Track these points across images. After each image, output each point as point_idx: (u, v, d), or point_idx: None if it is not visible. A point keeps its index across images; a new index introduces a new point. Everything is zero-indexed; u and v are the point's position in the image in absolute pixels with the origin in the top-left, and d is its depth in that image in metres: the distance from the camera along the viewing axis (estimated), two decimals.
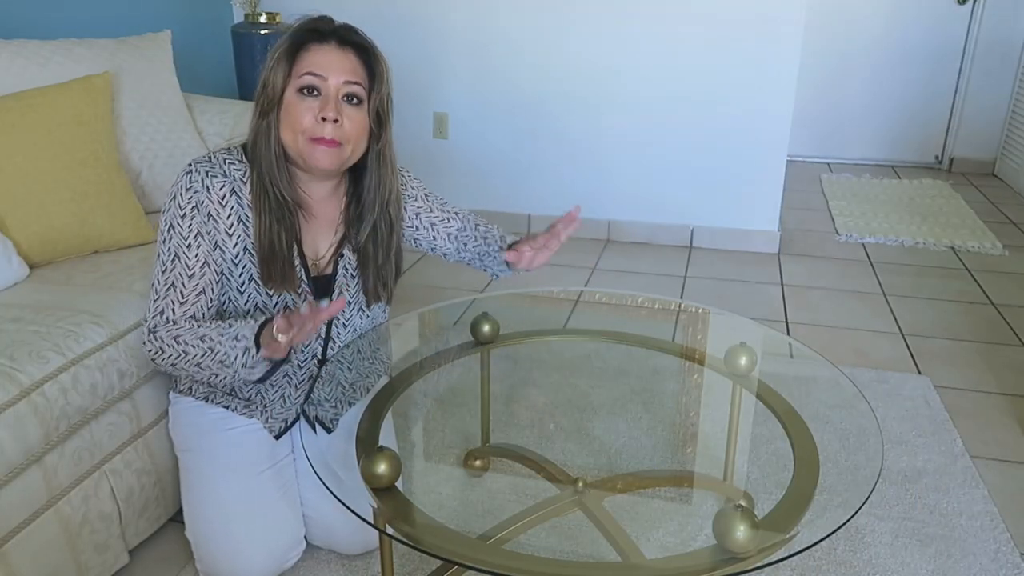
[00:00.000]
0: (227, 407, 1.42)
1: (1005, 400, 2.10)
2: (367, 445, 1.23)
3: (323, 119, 1.20)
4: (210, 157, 1.28)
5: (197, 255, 1.26)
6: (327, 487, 1.08)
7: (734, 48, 2.96)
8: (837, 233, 3.41)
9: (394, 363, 1.57)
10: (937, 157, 4.56)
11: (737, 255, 3.17)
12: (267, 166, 1.25)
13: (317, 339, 1.40)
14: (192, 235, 1.26)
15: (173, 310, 1.25)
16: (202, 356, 1.22)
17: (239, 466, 1.39)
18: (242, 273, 1.30)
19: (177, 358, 1.24)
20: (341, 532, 1.44)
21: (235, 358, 1.19)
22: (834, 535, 1.02)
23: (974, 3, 4.24)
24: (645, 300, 2.04)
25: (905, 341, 2.43)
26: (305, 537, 1.47)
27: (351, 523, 1.41)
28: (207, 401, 1.43)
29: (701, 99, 3.06)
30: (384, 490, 1.08)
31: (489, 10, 3.11)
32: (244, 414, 1.42)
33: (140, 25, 2.59)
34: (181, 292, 1.26)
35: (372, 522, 1.05)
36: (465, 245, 1.52)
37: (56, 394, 1.25)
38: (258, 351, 1.17)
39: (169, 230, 1.26)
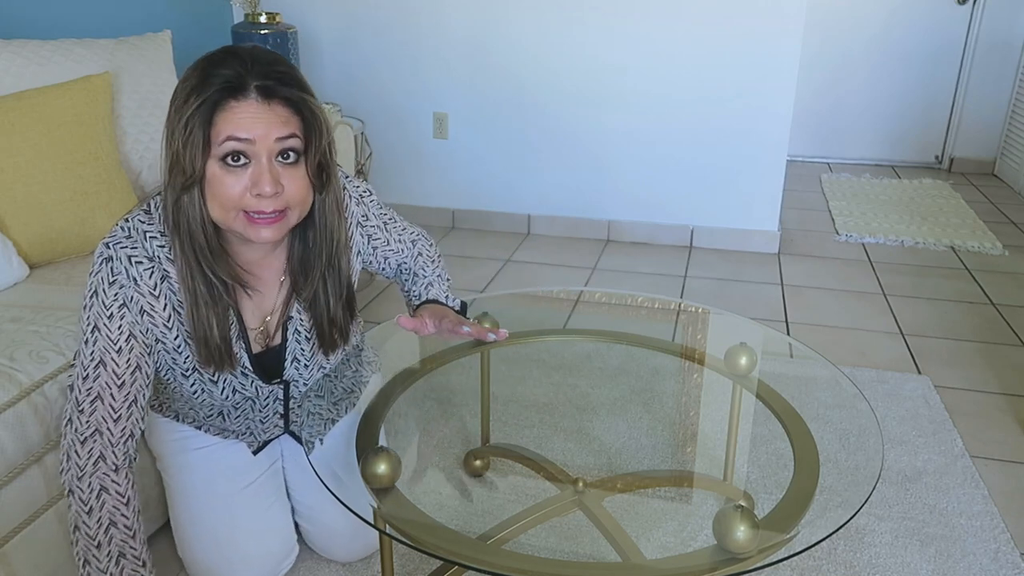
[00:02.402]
0: (199, 427, 1.36)
1: (1005, 400, 2.10)
2: (367, 445, 1.23)
3: (258, 195, 1.00)
4: (129, 231, 1.07)
5: (128, 360, 1.07)
6: (327, 487, 1.08)
7: (734, 48, 2.96)
8: (837, 233, 3.41)
9: (394, 363, 1.57)
10: (937, 157, 4.56)
11: (737, 255, 3.17)
12: (197, 250, 1.05)
13: (276, 402, 1.31)
14: (123, 338, 1.07)
15: (111, 430, 1.07)
16: (84, 532, 1.06)
17: (221, 483, 1.35)
18: (186, 360, 1.16)
19: (76, 505, 1.06)
20: (341, 536, 1.44)
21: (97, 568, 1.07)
22: (834, 535, 1.02)
23: (974, 3, 4.24)
24: (645, 300, 2.04)
25: (905, 341, 2.43)
26: (304, 544, 1.47)
27: (351, 526, 1.41)
28: (177, 419, 1.37)
29: (701, 99, 3.06)
30: (384, 490, 1.08)
31: (489, 10, 3.11)
32: (218, 435, 1.37)
33: (140, 25, 2.59)
34: (111, 407, 1.07)
35: (372, 522, 1.05)
36: (399, 275, 1.44)
37: (56, 394, 1.25)
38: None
39: (93, 331, 1.06)
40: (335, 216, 1.15)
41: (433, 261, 1.44)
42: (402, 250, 1.38)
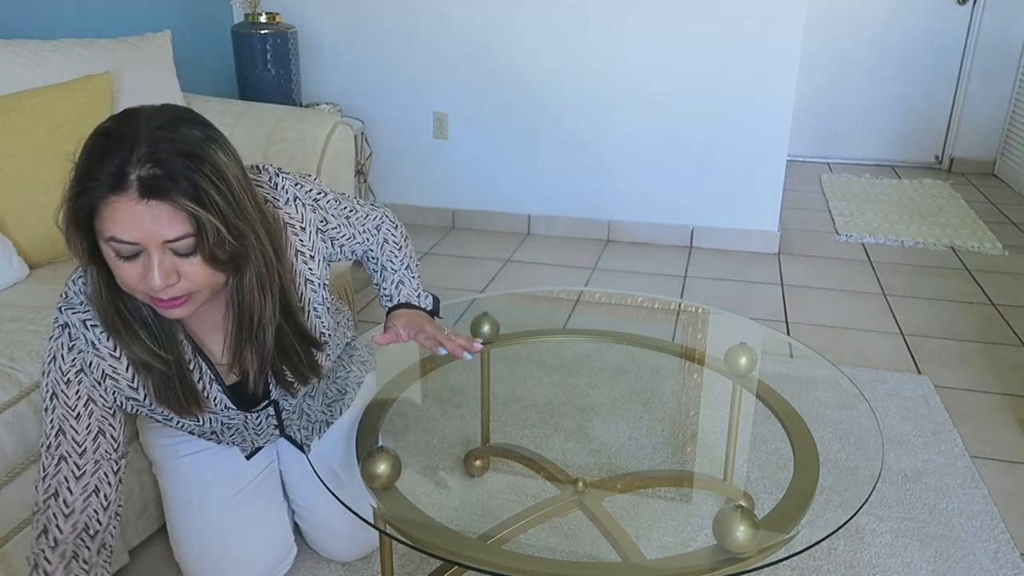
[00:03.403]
0: (192, 432, 1.32)
1: (1005, 400, 2.10)
2: (367, 445, 1.23)
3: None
4: (76, 294, 1.04)
5: (88, 426, 1.04)
6: (327, 487, 1.08)
7: (734, 48, 2.96)
8: (837, 233, 3.41)
9: (393, 363, 1.57)
10: (937, 157, 4.56)
11: (737, 255, 3.17)
12: (111, 327, 1.01)
13: (268, 419, 1.30)
14: (81, 403, 1.04)
15: (69, 488, 1.03)
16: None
17: (215, 488, 1.35)
18: (163, 412, 1.14)
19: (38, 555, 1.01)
20: (341, 536, 1.44)
21: None
22: (834, 535, 1.02)
23: (974, 3, 4.23)
24: (645, 300, 2.04)
25: (905, 341, 2.43)
26: (304, 544, 1.47)
27: (351, 526, 1.41)
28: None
29: (701, 99, 3.06)
30: (384, 490, 1.08)
31: (489, 10, 3.11)
32: (211, 439, 1.35)
33: (140, 25, 2.59)
34: (74, 470, 1.03)
35: (372, 522, 1.05)
36: (366, 263, 1.40)
37: None
38: None
39: (52, 399, 1.03)
40: (253, 295, 1.05)
41: (400, 247, 1.38)
42: (367, 239, 1.32)
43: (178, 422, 1.20)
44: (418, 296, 1.36)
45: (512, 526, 1.27)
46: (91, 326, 1.03)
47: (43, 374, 1.05)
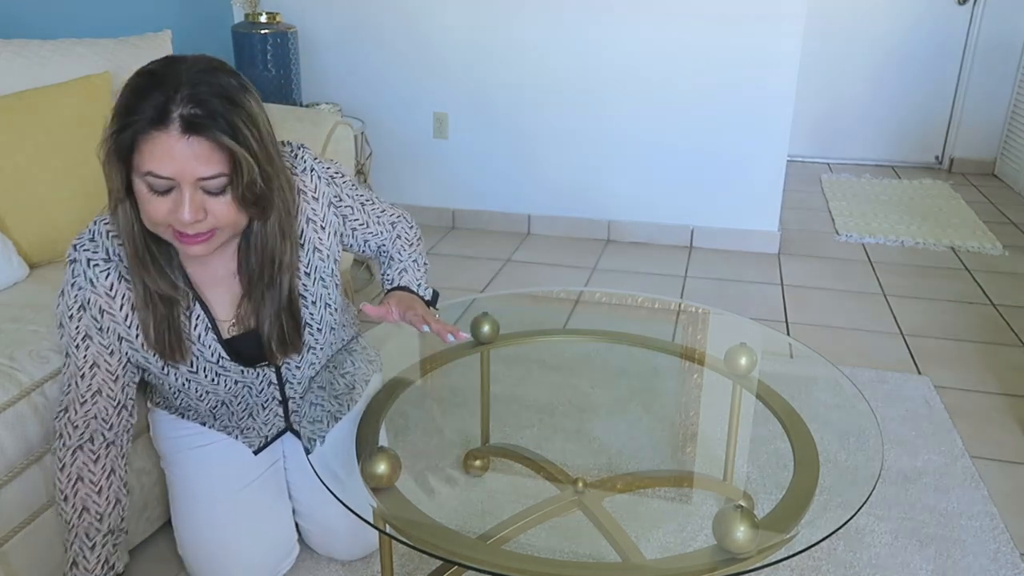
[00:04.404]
0: (203, 423, 1.38)
1: (1005, 400, 2.10)
2: (367, 445, 1.23)
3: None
4: (93, 234, 1.12)
5: (86, 356, 1.15)
6: (327, 487, 1.08)
7: (734, 48, 2.96)
8: (837, 233, 3.41)
9: (393, 363, 1.57)
10: (937, 157, 4.56)
11: (737, 255, 3.17)
12: (132, 261, 1.09)
13: (270, 386, 1.33)
14: (80, 336, 1.14)
15: (76, 410, 1.17)
16: (59, 506, 1.18)
17: (222, 482, 1.36)
18: (156, 360, 1.19)
19: (61, 493, 1.18)
20: (341, 536, 1.44)
21: (67, 550, 1.18)
22: (834, 535, 1.02)
23: (974, 3, 4.24)
24: (645, 300, 2.04)
25: (905, 341, 2.43)
26: (304, 543, 1.47)
27: (351, 525, 1.42)
28: (183, 416, 1.38)
29: (701, 99, 3.06)
30: (384, 490, 1.08)
31: (489, 10, 3.11)
32: (222, 431, 1.39)
33: (140, 25, 2.59)
34: (79, 394, 1.16)
35: (372, 522, 1.05)
36: (379, 258, 1.43)
37: (56, 394, 1.25)
38: None
39: (60, 327, 1.16)
40: (276, 239, 1.13)
41: (411, 244, 1.41)
42: (381, 232, 1.37)
43: (181, 381, 1.23)
44: (419, 286, 1.37)
45: (512, 526, 1.27)
46: (93, 265, 1.11)
47: (55, 304, 1.16)
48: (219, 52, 3.07)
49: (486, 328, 1.58)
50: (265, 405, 1.37)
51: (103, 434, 1.19)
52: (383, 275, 1.42)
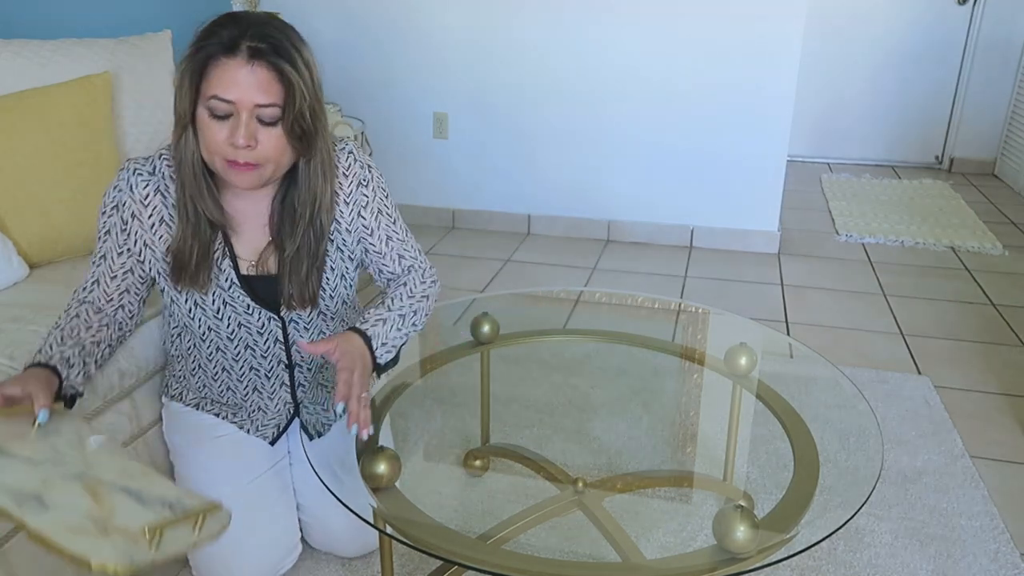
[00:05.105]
0: (217, 414, 1.41)
1: (1005, 400, 2.10)
2: (367, 445, 1.23)
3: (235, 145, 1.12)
4: (149, 156, 1.26)
5: (101, 248, 1.28)
6: (327, 487, 1.08)
7: (734, 48, 2.96)
8: (837, 233, 3.41)
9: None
10: (937, 157, 4.56)
11: (737, 255, 3.17)
12: (188, 183, 1.20)
13: (276, 343, 1.35)
14: (104, 230, 1.27)
15: (79, 292, 1.30)
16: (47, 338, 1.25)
17: (231, 474, 1.37)
18: (172, 280, 1.28)
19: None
20: (341, 534, 1.44)
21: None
22: (834, 535, 1.02)
23: (974, 3, 4.24)
24: (645, 300, 2.04)
25: (905, 341, 2.43)
26: (304, 540, 1.47)
27: (351, 524, 1.42)
28: (197, 408, 1.42)
29: (701, 99, 3.06)
30: (384, 490, 1.08)
31: (489, 10, 3.11)
32: (235, 423, 1.41)
33: (140, 25, 2.59)
34: (86, 277, 1.30)
35: (372, 522, 1.05)
36: (386, 284, 1.42)
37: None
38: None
39: (100, 215, 1.28)
40: (319, 179, 1.23)
41: (411, 298, 1.34)
42: (393, 266, 1.38)
43: (189, 305, 1.30)
44: (383, 344, 1.25)
45: (512, 526, 1.27)
46: (137, 173, 1.23)
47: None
48: None
49: (486, 328, 1.58)
50: (270, 375, 1.38)
51: (97, 311, 1.29)
52: (365, 311, 1.34)
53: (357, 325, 1.24)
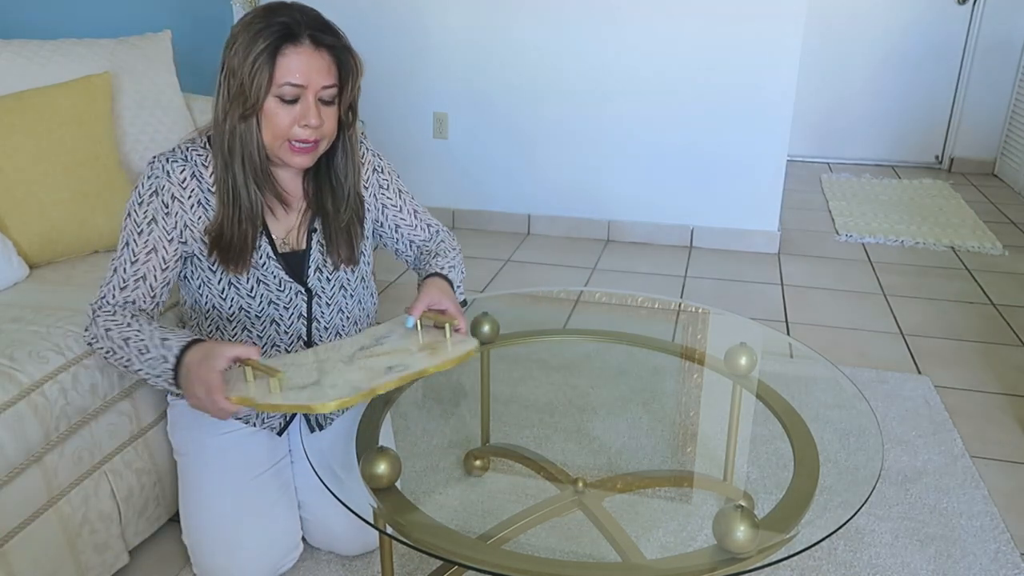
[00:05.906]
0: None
1: (1005, 400, 2.10)
2: (367, 445, 1.23)
3: (304, 125, 1.21)
4: (176, 148, 1.29)
5: (147, 241, 1.25)
6: (327, 487, 1.08)
7: (734, 48, 2.96)
8: (837, 233, 3.41)
9: None
10: (937, 157, 4.56)
11: (737, 255, 3.17)
12: (251, 171, 1.24)
13: (299, 319, 1.38)
14: (146, 221, 1.25)
15: (114, 295, 1.26)
16: (127, 363, 1.22)
17: (235, 471, 1.38)
18: (210, 261, 1.31)
19: (108, 353, 1.23)
20: (341, 533, 1.44)
21: (153, 378, 1.21)
22: (834, 535, 1.02)
23: (974, 3, 4.24)
24: (645, 300, 2.04)
25: (905, 341, 2.43)
26: (304, 539, 1.47)
27: (351, 524, 1.42)
28: None
29: (701, 99, 3.06)
30: (384, 490, 1.08)
31: (489, 10, 3.11)
32: (240, 419, 1.41)
33: (140, 25, 2.59)
34: (122, 277, 1.25)
35: (372, 522, 1.05)
36: (419, 259, 1.51)
37: (56, 394, 1.25)
38: (176, 379, 1.17)
39: (126, 218, 1.27)
40: (355, 152, 1.36)
41: (454, 250, 1.51)
42: (421, 232, 1.52)
43: (223, 285, 1.32)
44: (457, 287, 1.42)
45: (512, 526, 1.27)
46: (171, 161, 1.27)
47: (128, 203, 1.29)
48: (219, 52, 3.07)
49: (486, 328, 1.58)
50: (289, 350, 1.39)
51: (131, 308, 1.28)
52: (424, 268, 1.45)
53: (436, 271, 1.39)
